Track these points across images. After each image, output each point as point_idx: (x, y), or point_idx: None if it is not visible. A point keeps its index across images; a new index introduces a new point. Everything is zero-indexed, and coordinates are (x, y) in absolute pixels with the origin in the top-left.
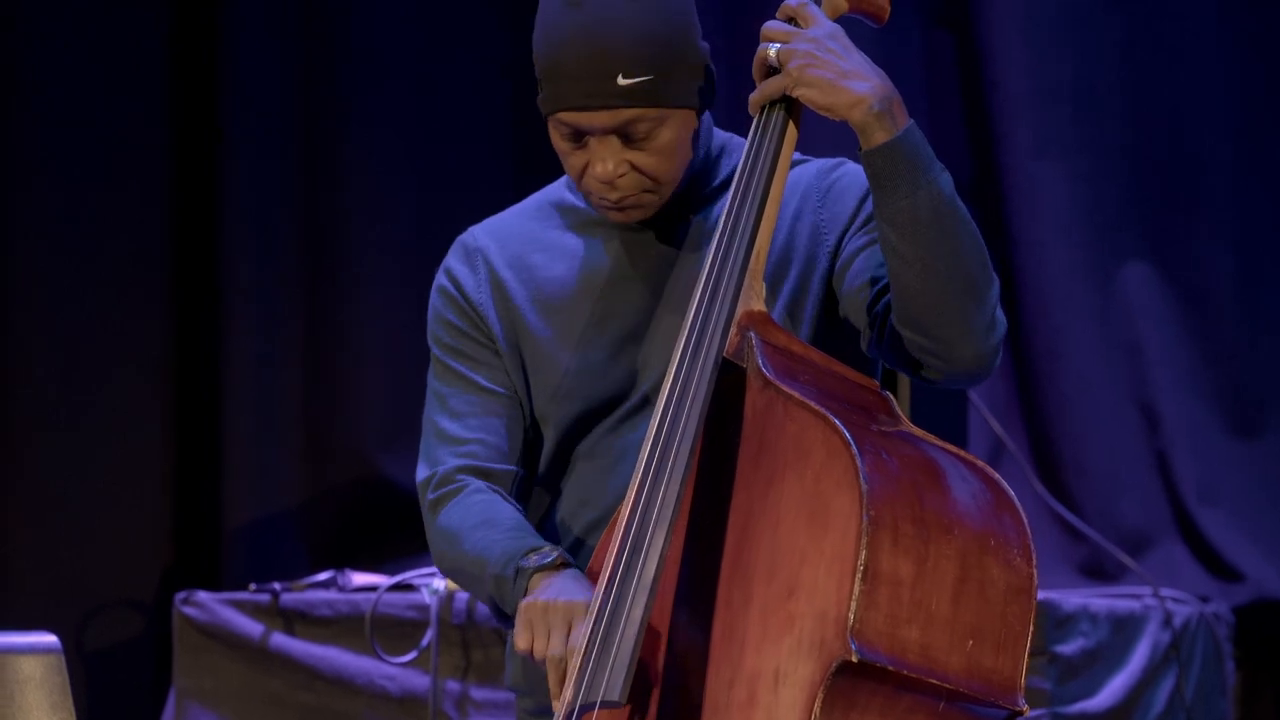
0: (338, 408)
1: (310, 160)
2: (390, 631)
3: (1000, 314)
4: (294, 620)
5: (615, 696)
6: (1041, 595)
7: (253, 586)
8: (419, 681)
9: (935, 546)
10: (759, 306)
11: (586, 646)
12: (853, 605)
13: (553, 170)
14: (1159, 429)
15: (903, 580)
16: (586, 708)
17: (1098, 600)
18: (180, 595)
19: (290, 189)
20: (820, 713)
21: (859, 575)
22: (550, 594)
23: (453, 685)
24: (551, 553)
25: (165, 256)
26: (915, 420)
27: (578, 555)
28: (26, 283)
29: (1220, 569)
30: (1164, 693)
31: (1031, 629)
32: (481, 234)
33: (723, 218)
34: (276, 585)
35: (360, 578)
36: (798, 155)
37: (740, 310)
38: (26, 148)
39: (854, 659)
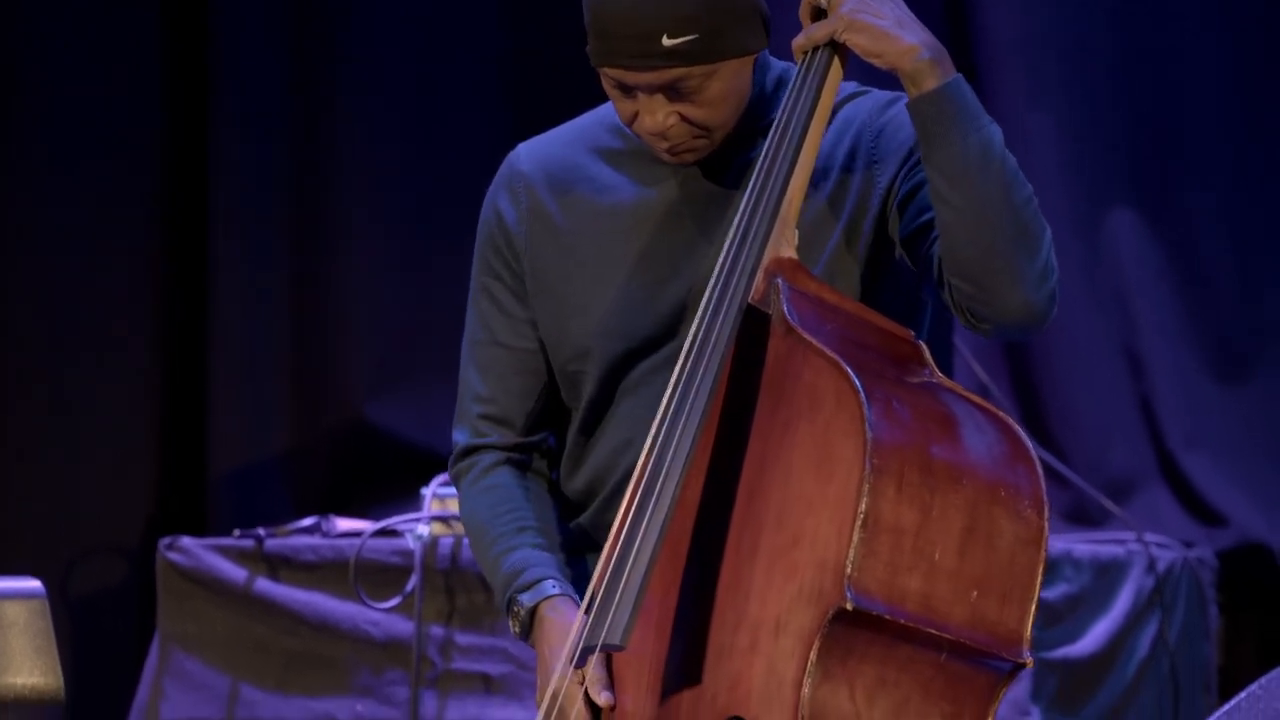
0: (324, 354)
1: (300, 105)
2: (374, 577)
3: (1054, 262)
4: (278, 566)
5: (617, 640)
6: None
7: (237, 532)
8: (403, 627)
9: (942, 496)
10: (789, 253)
11: (593, 590)
12: (851, 553)
13: (545, 110)
14: (1144, 374)
15: (905, 529)
16: (588, 650)
17: (1081, 545)
18: (164, 541)
19: (280, 135)
20: (816, 661)
21: (859, 523)
22: (546, 657)
23: (437, 630)
24: (531, 598)
25: (152, 206)
26: None
27: (623, 494)
28: (9, 229)
29: (1204, 514)
30: (1147, 638)
31: (1040, 581)
32: (528, 159)
33: (758, 162)
34: (261, 531)
35: (344, 523)
36: (857, 86)
37: (769, 257)
38: (7, 87)
39: (849, 607)
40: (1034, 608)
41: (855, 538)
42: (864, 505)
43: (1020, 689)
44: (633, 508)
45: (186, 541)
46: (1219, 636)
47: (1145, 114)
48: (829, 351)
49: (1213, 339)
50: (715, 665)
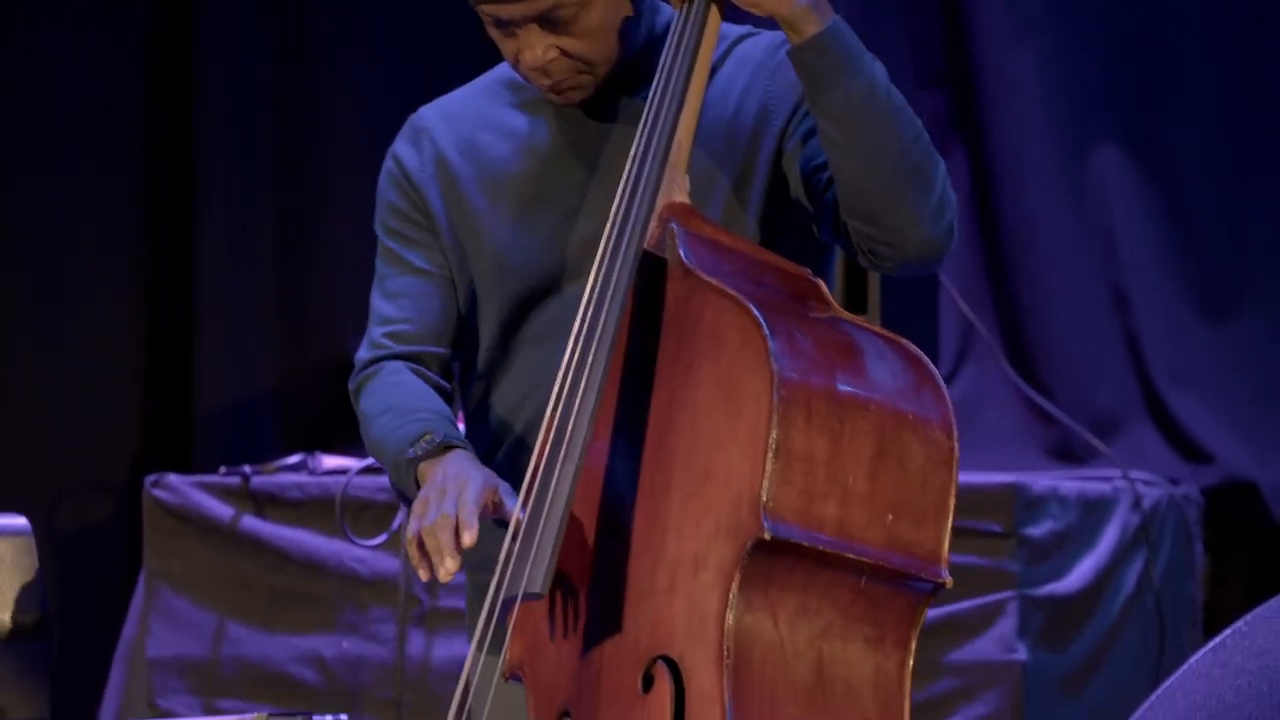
0: (310, 291)
1: (285, 46)
2: (360, 514)
3: (949, 194)
4: (264, 503)
5: (536, 589)
6: (1011, 478)
7: (223, 469)
8: (389, 564)
9: (851, 423)
10: (681, 198)
11: (510, 540)
12: (765, 483)
13: None
14: (1130, 311)
15: (817, 457)
16: (509, 601)
17: (1067, 483)
18: (150, 478)
19: (265, 77)
20: (738, 593)
21: (771, 453)
22: (439, 479)
23: None
24: (436, 437)
25: (138, 145)
26: (886, 304)
27: (531, 438)
28: None
29: (1190, 451)
30: (1133, 575)
31: (954, 501)
32: (431, 115)
33: (645, 111)
34: (246, 468)
35: (330, 461)
36: (749, 28)
37: (661, 203)
38: None
39: (767, 537)
40: (949, 527)
41: (769, 468)
42: (775, 436)
43: (1006, 625)
44: (543, 458)
45: (172, 479)
46: (1204, 574)
47: (1129, 51)
48: (729, 290)
49: (1198, 276)
50: (636, 608)
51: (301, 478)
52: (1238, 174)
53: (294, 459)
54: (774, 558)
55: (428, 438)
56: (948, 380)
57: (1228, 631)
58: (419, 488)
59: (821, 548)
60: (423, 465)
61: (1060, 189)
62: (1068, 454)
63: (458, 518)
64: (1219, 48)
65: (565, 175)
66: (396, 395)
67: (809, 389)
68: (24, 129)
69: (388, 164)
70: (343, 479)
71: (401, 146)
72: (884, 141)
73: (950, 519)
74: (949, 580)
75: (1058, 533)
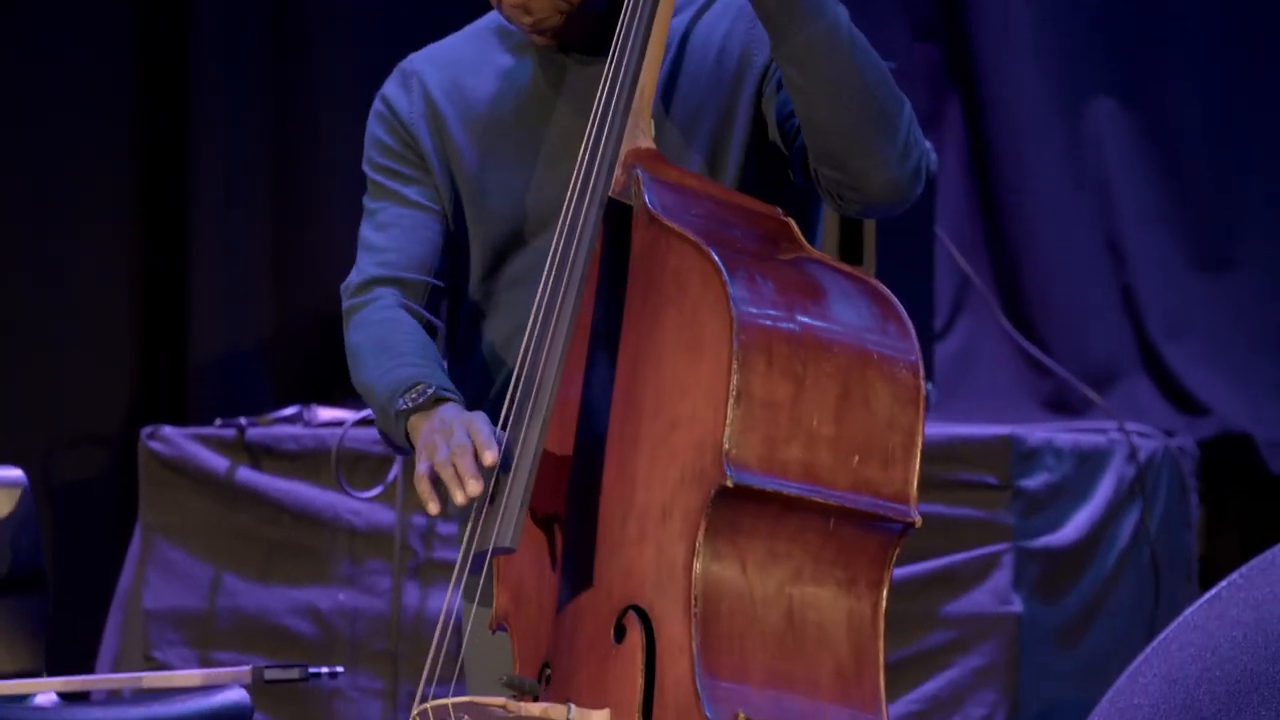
0: (305, 242)
1: None
2: (356, 466)
3: (916, 136)
4: (260, 455)
5: (507, 543)
6: (1006, 429)
7: (218, 421)
8: (385, 516)
9: (814, 365)
10: (646, 143)
11: (480, 495)
12: (727, 431)
13: None
14: (1125, 263)
15: (780, 401)
16: (479, 557)
17: (1063, 435)
18: (146, 430)
19: (259, 21)
20: (704, 541)
21: (732, 400)
22: (437, 424)
23: (418, 520)
24: (427, 389)
25: (131, 92)
26: (882, 256)
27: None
28: None
29: (1185, 403)
30: (1128, 527)
31: (921, 440)
32: (420, 59)
33: (608, 59)
34: (242, 420)
35: (326, 413)
36: None
37: (626, 149)
38: None
39: (730, 484)
40: (918, 465)
41: (730, 415)
42: (735, 382)
43: (1001, 577)
44: (511, 411)
45: (168, 430)
46: (1200, 525)
47: (1124, 3)
48: (690, 234)
49: (1194, 229)
50: (608, 559)
51: (297, 430)
52: (1233, 127)
53: (289, 411)
54: (739, 505)
55: (420, 388)
56: (943, 333)
57: (1223, 583)
58: (408, 438)
59: (787, 493)
60: (414, 418)
61: (1056, 142)
62: (1063, 406)
63: (475, 443)
64: (1215, 0)
65: (548, 121)
66: (388, 334)
67: (769, 333)
68: (13, 76)
69: (377, 105)
70: (338, 431)
71: (390, 89)
72: (846, 85)
73: (919, 458)
74: (918, 520)
75: (1053, 485)
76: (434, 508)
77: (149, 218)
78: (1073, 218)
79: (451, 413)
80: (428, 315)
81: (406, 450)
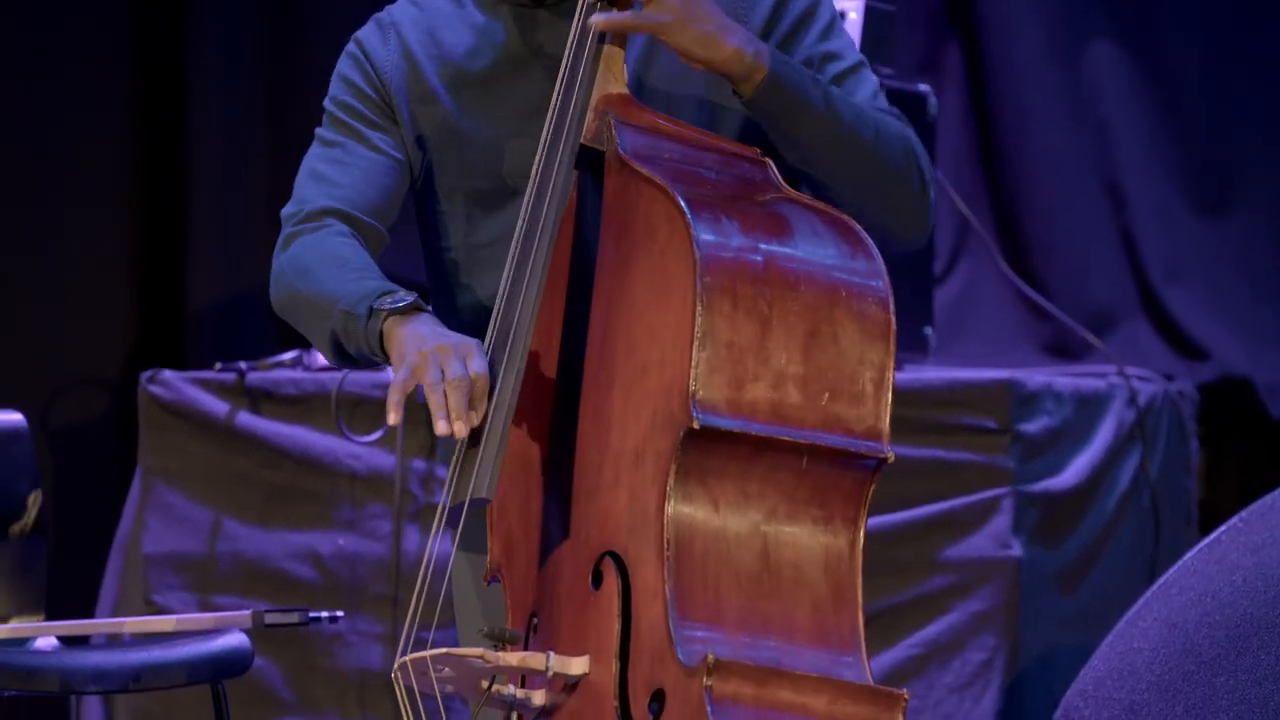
0: None
1: None
2: (356, 410)
3: (922, 166)
4: (260, 399)
5: (483, 494)
6: (1006, 373)
7: (218, 365)
8: (385, 460)
9: (780, 305)
10: (618, 89)
11: (456, 446)
12: (693, 373)
13: None
14: (1125, 207)
15: (746, 342)
16: (456, 509)
17: (1062, 379)
18: (146, 374)
19: None
20: (675, 484)
21: (697, 343)
22: (426, 335)
23: (418, 464)
24: (408, 296)
25: (128, 37)
26: None
27: None
28: None
29: (1185, 347)
30: (1128, 471)
31: (892, 375)
32: (398, 11)
33: (578, 4)
34: (242, 364)
35: None
36: None
37: (597, 95)
38: None
39: (697, 426)
40: (889, 401)
41: (695, 358)
42: (700, 325)
43: (1001, 522)
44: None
45: (168, 375)
46: (1200, 470)
47: None
48: (658, 178)
49: (1194, 172)
50: (585, 506)
51: (297, 374)
52: (1233, 70)
53: (289, 355)
54: (708, 447)
55: (399, 293)
56: (942, 277)
57: (1223, 528)
58: (381, 344)
59: (756, 433)
60: (390, 321)
61: (1055, 86)
62: (1063, 350)
63: (474, 387)
64: None
65: (525, 76)
66: (347, 252)
67: (733, 273)
68: (13, 29)
69: (350, 48)
70: (338, 375)
71: (367, 35)
72: (850, 159)
73: (890, 393)
74: (891, 455)
75: (1053, 429)
76: (394, 417)
77: (147, 161)
78: (1072, 162)
79: (436, 328)
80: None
81: (368, 359)
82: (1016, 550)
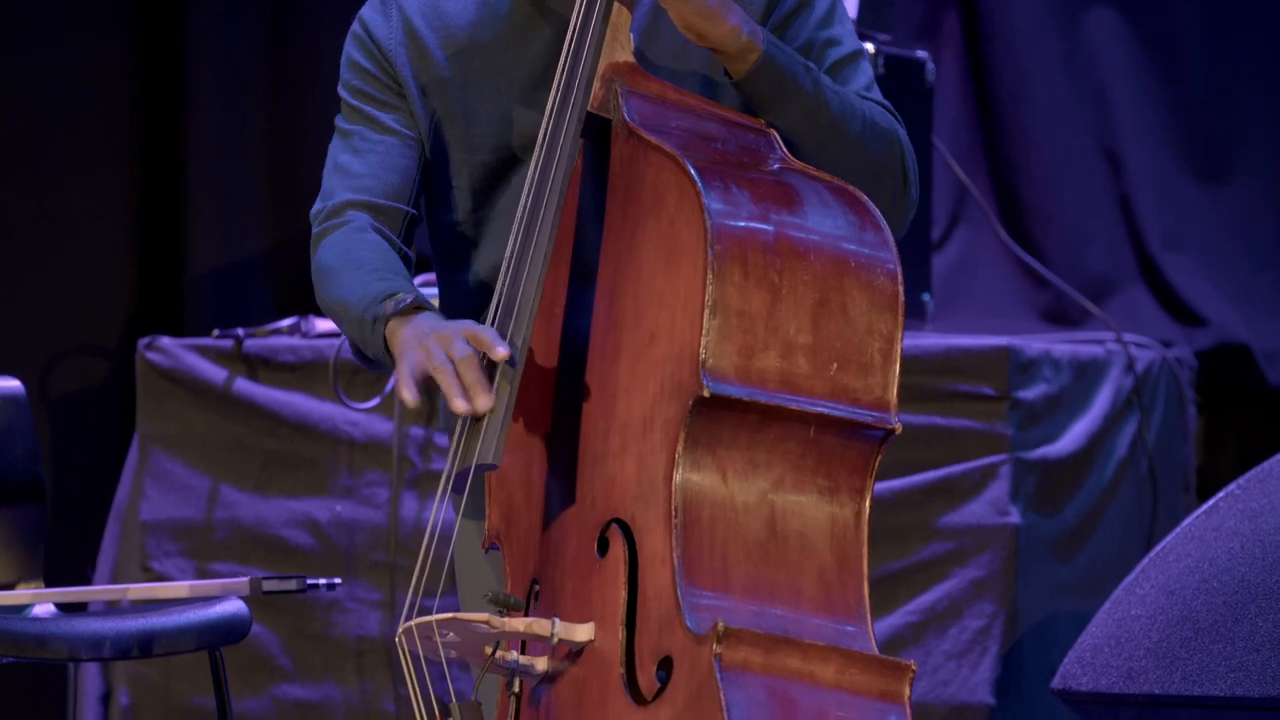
0: (302, 153)
1: None
2: (354, 377)
3: (907, 166)
4: (258, 366)
5: (490, 459)
6: (1004, 340)
7: (216, 332)
8: (383, 427)
9: (790, 274)
10: (625, 57)
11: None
12: (703, 341)
13: None
14: (1124, 174)
15: (756, 311)
16: (462, 475)
17: (1060, 345)
18: (143, 341)
19: None
20: (683, 452)
21: (708, 310)
22: (424, 329)
23: (416, 431)
24: (407, 296)
25: (129, 6)
26: None
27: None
28: None
29: (1183, 314)
30: (1126, 437)
31: (900, 346)
32: None
33: None
34: (240, 331)
35: (324, 324)
36: None
37: (604, 64)
38: None
39: (707, 394)
40: (897, 372)
41: (705, 326)
42: (710, 293)
43: (999, 488)
44: (493, 327)
45: (165, 341)
46: (1197, 437)
47: None
48: (667, 146)
49: (1192, 139)
50: (590, 472)
51: (295, 341)
52: (1233, 38)
53: (287, 322)
54: (718, 415)
55: (399, 296)
56: (940, 244)
57: (1221, 494)
58: (386, 347)
59: (764, 402)
60: (393, 323)
61: (1054, 52)
62: (1061, 317)
63: (484, 342)
64: None
65: (530, 47)
66: (362, 251)
67: (744, 242)
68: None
69: (355, 28)
70: (336, 342)
71: (369, 12)
72: (837, 145)
73: (898, 364)
74: (899, 427)
75: (1051, 396)
76: (410, 396)
77: (145, 128)
78: (1071, 129)
79: (434, 320)
80: (400, 244)
81: (382, 363)
82: (1014, 517)
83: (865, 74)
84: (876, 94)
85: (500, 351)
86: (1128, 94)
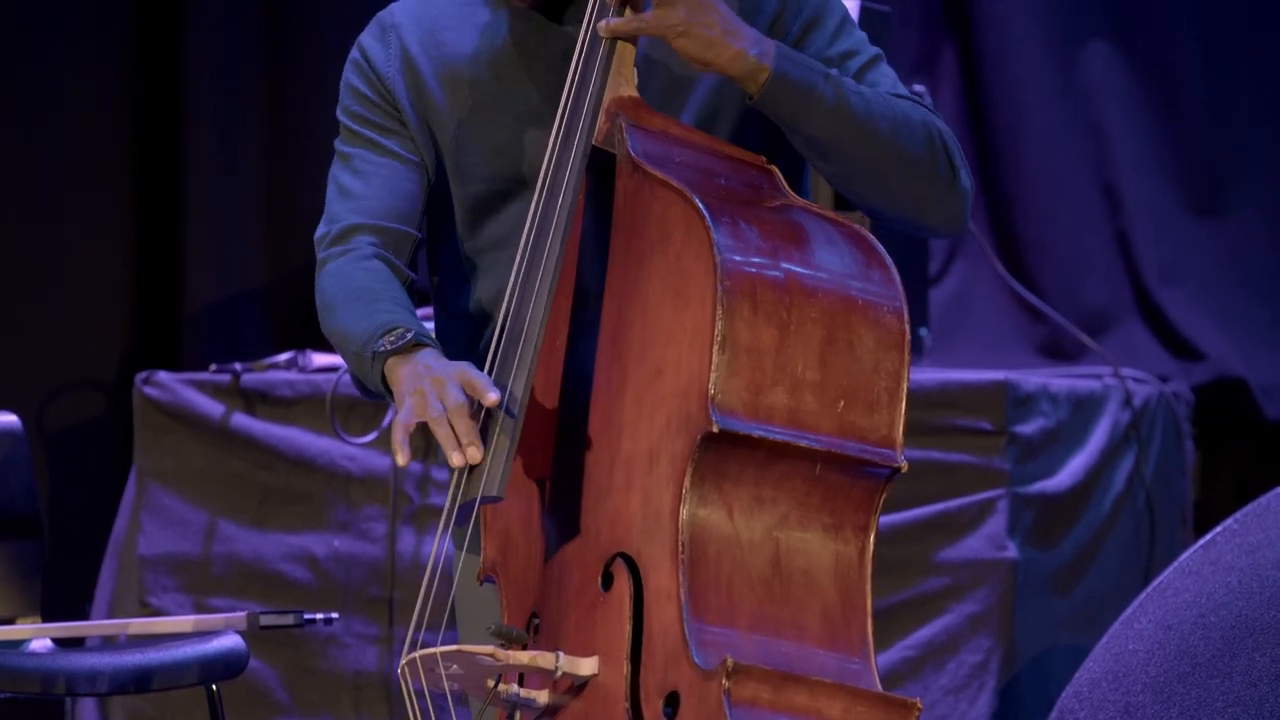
0: (300, 187)
1: None
2: (351, 412)
3: (951, 151)
4: (255, 401)
5: (494, 491)
6: (1001, 375)
7: (213, 367)
8: (380, 462)
9: (798, 311)
10: (629, 92)
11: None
12: (712, 377)
13: None
14: (1121, 208)
15: (764, 347)
16: (466, 507)
17: (1058, 380)
18: (141, 375)
19: None
20: (691, 488)
21: (716, 345)
22: (420, 371)
23: (414, 466)
24: (407, 334)
25: (127, 39)
26: None
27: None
28: None
29: (1180, 348)
30: (1123, 472)
31: (906, 385)
32: (399, 11)
33: (588, 5)
34: (237, 366)
35: (321, 358)
36: None
37: (608, 98)
38: None
39: (715, 429)
40: (903, 411)
41: (715, 361)
42: (719, 328)
43: (997, 523)
44: (497, 360)
45: (163, 376)
46: (1195, 471)
47: None
48: (674, 181)
49: (1188, 173)
50: (595, 507)
51: (292, 375)
52: (1229, 71)
53: (284, 356)
54: (725, 451)
55: (399, 331)
56: (938, 278)
57: (1218, 529)
58: (385, 382)
59: (772, 439)
60: (391, 360)
61: (1051, 87)
62: (1058, 351)
63: (475, 388)
64: None
65: (528, 79)
66: (364, 281)
67: (753, 278)
68: (10, 27)
69: (354, 54)
70: (333, 376)
71: (368, 40)
72: (867, 153)
73: (904, 403)
74: (904, 465)
75: (1048, 430)
76: (402, 458)
77: (143, 163)
78: (1068, 163)
79: (434, 360)
80: (403, 267)
81: (382, 396)
82: (1012, 551)
83: (888, 76)
84: (904, 92)
85: (490, 398)
86: (1124, 128)
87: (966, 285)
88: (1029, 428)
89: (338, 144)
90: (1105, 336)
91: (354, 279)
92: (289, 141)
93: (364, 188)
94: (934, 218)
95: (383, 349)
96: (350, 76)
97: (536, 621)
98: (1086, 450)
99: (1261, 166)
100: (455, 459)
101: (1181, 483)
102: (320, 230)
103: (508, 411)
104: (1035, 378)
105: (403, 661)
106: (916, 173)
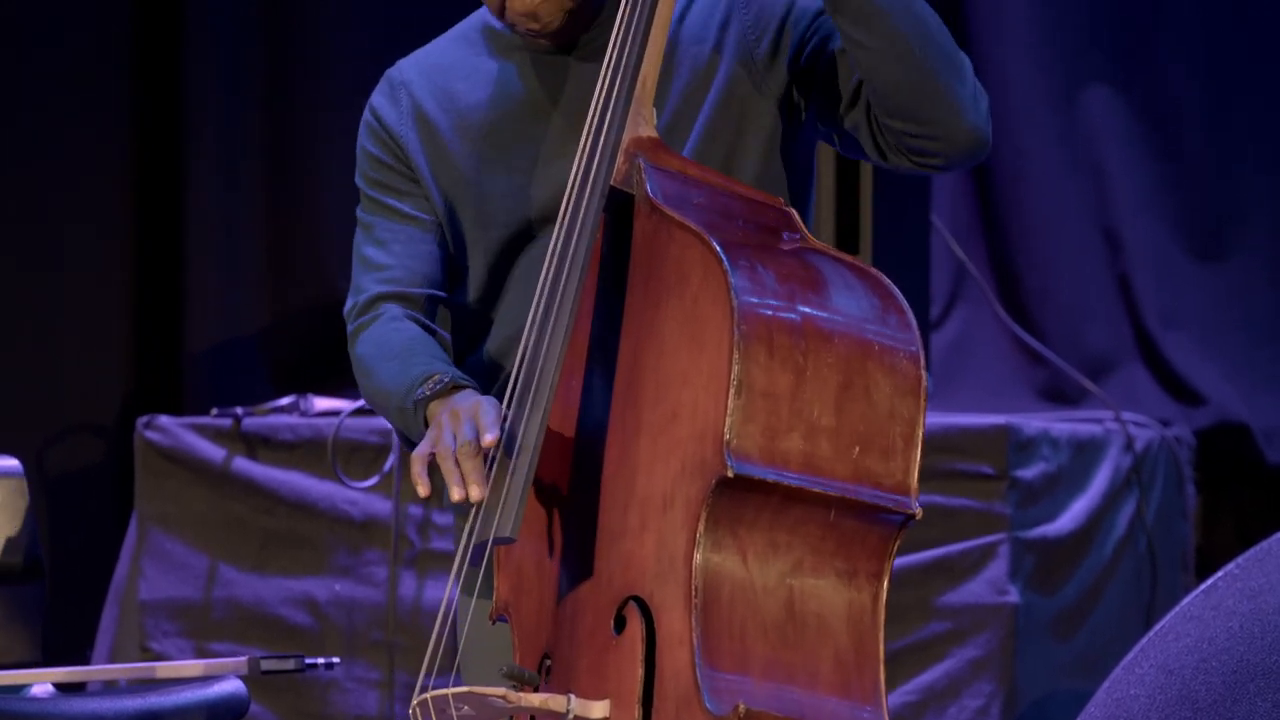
0: (301, 231)
1: None
2: (353, 456)
3: (979, 83)
4: (256, 445)
5: (507, 533)
6: (1002, 419)
7: (215, 411)
8: (381, 506)
9: (815, 356)
10: (649, 132)
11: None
12: (728, 421)
13: None
14: (1121, 252)
15: (781, 392)
16: (479, 547)
17: (1059, 424)
18: (142, 420)
19: (254, 11)
20: (705, 532)
21: (733, 390)
22: (451, 408)
23: (415, 510)
24: (444, 378)
25: (126, 78)
26: (878, 246)
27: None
28: None
29: (1181, 392)
30: (1125, 516)
31: (922, 431)
32: (407, 67)
33: (610, 46)
34: (239, 410)
35: (322, 402)
36: None
37: (628, 138)
38: None
39: (731, 474)
40: (918, 457)
41: (730, 405)
42: (736, 372)
43: (998, 567)
44: (512, 401)
45: (164, 420)
46: (1196, 515)
47: None
48: (692, 224)
49: (1190, 217)
50: (608, 549)
51: (293, 419)
52: (1230, 114)
53: (286, 400)
54: (740, 495)
55: (436, 378)
56: (939, 322)
57: (1219, 573)
58: (427, 427)
59: (788, 484)
60: (433, 405)
61: (1052, 130)
62: (1059, 395)
63: (478, 424)
64: None
65: (545, 121)
66: (398, 342)
67: (770, 323)
68: (6, 60)
69: (366, 116)
70: (335, 420)
71: (379, 100)
72: (912, 33)
73: (919, 449)
74: (919, 512)
75: (1049, 474)
76: (423, 489)
77: (144, 206)
78: (1069, 207)
79: (465, 399)
80: (435, 327)
81: None
82: (1013, 596)
83: None
84: None
85: (487, 438)
86: (1125, 172)
87: (967, 329)
88: (1030, 472)
89: (358, 213)
90: (1106, 380)
91: (387, 341)
92: (290, 184)
93: (386, 256)
94: (962, 130)
95: (422, 395)
96: (364, 140)
97: (549, 663)
98: (1088, 495)
99: (1262, 210)
100: (455, 494)
101: (1183, 527)
102: (349, 304)
103: (521, 451)
104: (1036, 422)
105: (415, 702)
106: (953, 72)
